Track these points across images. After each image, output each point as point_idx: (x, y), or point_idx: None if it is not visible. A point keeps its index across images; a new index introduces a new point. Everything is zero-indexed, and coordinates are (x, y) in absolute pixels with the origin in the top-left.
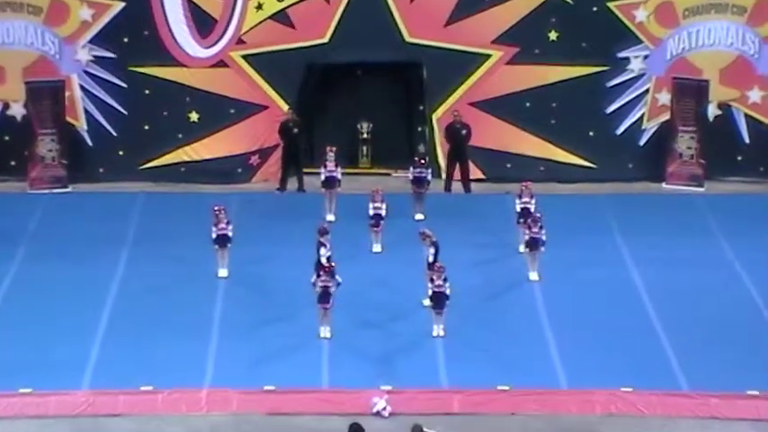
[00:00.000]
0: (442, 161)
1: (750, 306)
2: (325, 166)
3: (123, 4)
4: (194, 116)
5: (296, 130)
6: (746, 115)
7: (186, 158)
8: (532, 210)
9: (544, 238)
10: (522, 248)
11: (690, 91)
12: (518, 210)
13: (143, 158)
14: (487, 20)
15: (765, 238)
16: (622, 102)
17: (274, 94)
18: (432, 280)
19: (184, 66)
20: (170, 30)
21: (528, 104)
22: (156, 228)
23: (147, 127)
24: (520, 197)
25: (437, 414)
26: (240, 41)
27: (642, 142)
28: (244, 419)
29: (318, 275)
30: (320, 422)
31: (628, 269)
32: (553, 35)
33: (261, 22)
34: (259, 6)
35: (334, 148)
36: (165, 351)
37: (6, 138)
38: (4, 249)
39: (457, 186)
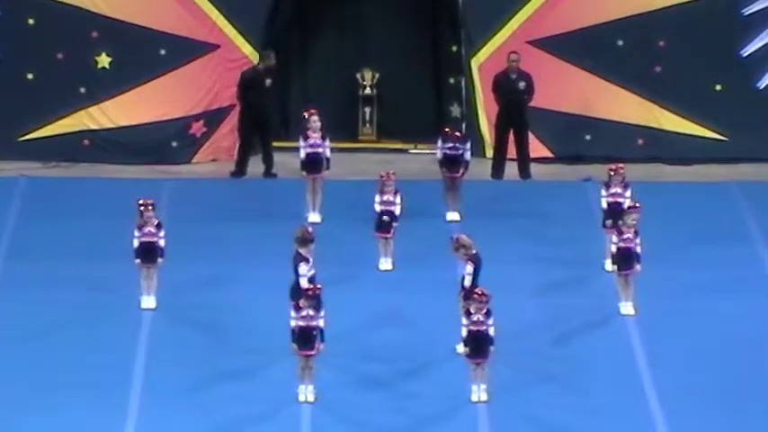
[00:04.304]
0: (488, 131)
1: None
2: (307, 139)
3: None
4: (105, 60)
5: (268, 82)
6: None
7: (92, 126)
8: (626, 206)
9: (639, 249)
10: (609, 265)
11: None
12: (604, 206)
13: (25, 125)
14: None
15: None
16: (767, 39)
17: (229, 26)
18: (468, 314)
19: None
20: None
21: (620, 43)
22: (44, 232)
23: (30, 76)
24: (607, 187)
25: None
26: None
27: None
28: None
29: (297, 307)
30: None
31: None
32: None
33: None
34: None
35: (317, 112)
36: (54, 428)
37: None
38: None
39: (511, 169)
